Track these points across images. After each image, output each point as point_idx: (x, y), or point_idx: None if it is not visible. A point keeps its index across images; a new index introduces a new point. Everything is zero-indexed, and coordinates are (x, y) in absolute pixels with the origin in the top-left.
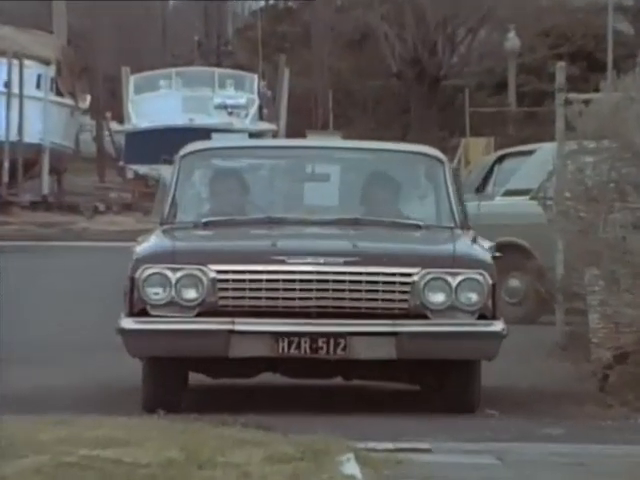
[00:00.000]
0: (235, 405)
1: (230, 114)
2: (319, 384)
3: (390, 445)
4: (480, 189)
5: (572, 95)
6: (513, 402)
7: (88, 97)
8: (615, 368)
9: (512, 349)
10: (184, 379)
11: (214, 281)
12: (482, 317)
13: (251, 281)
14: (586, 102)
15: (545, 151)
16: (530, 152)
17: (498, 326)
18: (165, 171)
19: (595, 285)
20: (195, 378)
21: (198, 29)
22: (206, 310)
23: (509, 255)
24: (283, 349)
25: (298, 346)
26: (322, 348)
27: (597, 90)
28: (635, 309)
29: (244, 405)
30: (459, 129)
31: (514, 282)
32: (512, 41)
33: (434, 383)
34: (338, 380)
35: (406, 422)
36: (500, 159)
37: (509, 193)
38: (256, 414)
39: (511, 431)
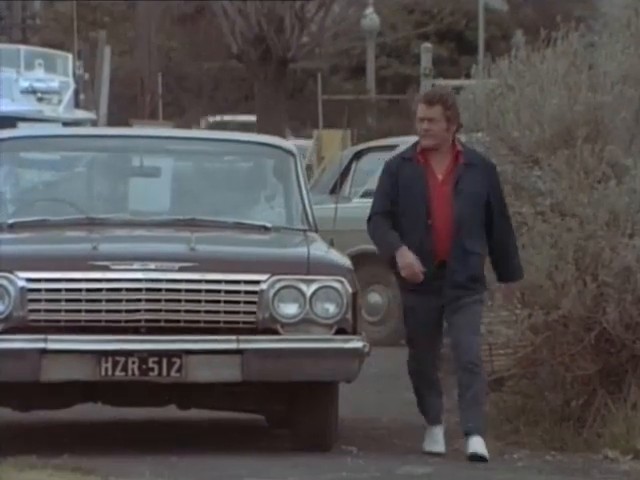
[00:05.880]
0: (47, 444)
1: (40, 100)
2: (149, 415)
3: None
4: (335, 189)
5: (440, 81)
6: (373, 437)
7: None
8: (489, 396)
9: (372, 375)
10: None
11: (23, 291)
12: (341, 331)
13: (68, 291)
14: (456, 89)
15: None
16: (393, 147)
17: (359, 342)
18: None
19: None
20: None
21: None
22: (14, 326)
23: (369, 266)
24: (106, 371)
25: (124, 368)
26: (153, 369)
27: (468, 75)
28: (511, 328)
29: (58, 444)
30: (311, 119)
31: (374, 297)
32: (370, 18)
33: (284, 413)
34: (172, 410)
35: (250, 462)
36: (358, 155)
37: (369, 194)
38: (72, 454)
39: (371, 470)
